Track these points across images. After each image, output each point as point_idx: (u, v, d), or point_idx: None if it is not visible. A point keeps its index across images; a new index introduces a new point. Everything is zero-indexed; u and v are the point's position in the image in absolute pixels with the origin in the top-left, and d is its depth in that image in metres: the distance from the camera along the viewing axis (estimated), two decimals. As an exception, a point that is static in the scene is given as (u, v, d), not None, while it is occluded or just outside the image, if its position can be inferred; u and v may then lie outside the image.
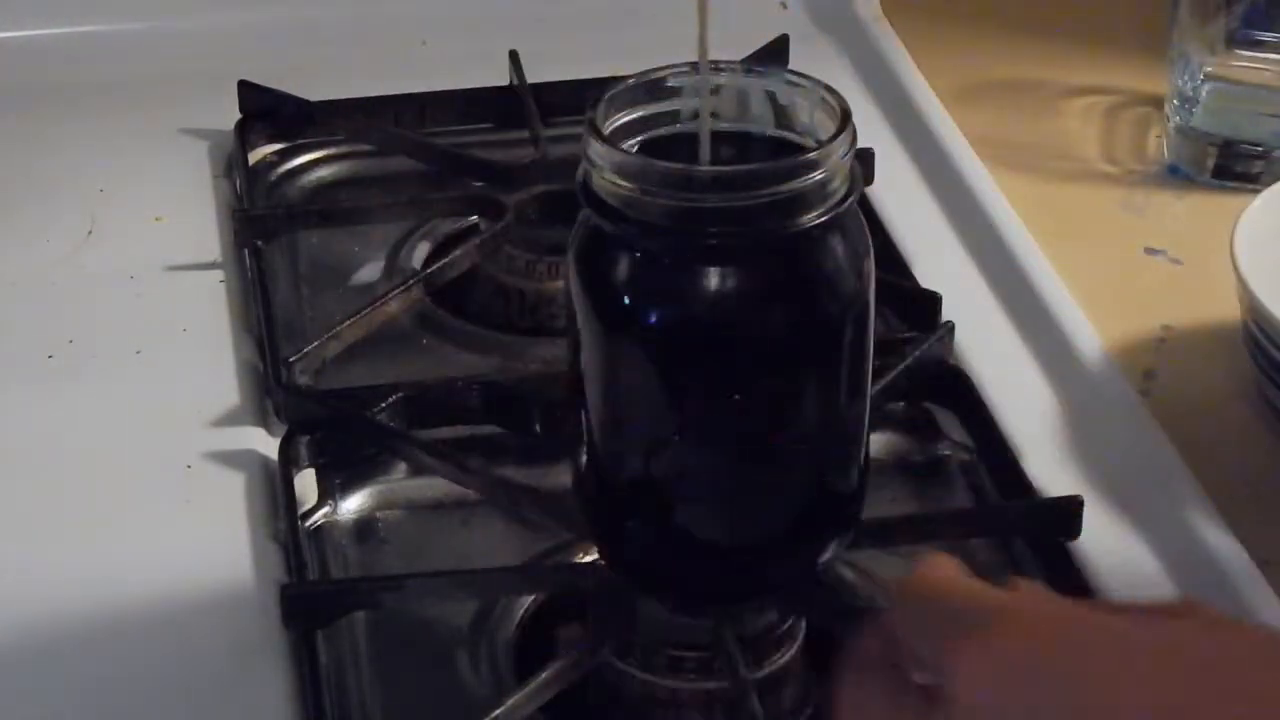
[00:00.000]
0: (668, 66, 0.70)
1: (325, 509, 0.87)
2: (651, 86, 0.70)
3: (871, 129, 1.11)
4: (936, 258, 1.01)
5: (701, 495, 0.70)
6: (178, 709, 0.76)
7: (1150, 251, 1.03)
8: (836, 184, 0.67)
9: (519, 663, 0.78)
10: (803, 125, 0.70)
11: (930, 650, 0.58)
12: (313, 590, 0.79)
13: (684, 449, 0.69)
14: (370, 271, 1.03)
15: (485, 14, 1.22)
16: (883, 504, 0.86)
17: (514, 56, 1.13)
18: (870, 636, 0.61)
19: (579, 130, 0.68)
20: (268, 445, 0.88)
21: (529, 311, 1.00)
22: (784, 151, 0.69)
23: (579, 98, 1.05)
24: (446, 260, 0.97)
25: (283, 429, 0.88)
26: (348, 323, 0.93)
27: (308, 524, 0.86)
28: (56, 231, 1.04)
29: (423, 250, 1.04)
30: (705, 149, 0.68)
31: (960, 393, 0.90)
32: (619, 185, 0.66)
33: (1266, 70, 1.09)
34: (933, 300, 0.94)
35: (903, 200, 1.06)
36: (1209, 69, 1.09)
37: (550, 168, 1.03)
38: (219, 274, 1.01)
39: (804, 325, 0.68)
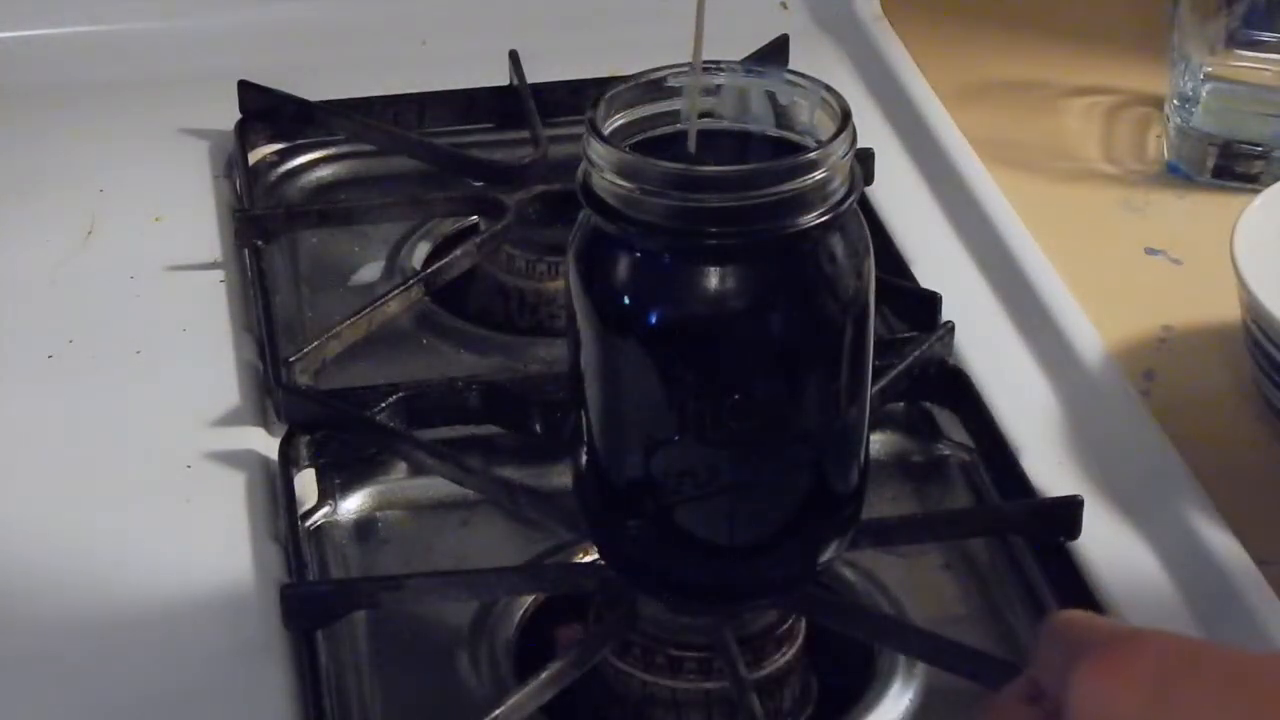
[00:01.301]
0: (667, 66, 0.70)
1: (325, 509, 0.87)
2: (651, 86, 0.70)
3: (871, 129, 1.11)
4: (936, 258, 1.01)
5: (701, 495, 0.70)
6: (178, 709, 0.76)
7: (1150, 251, 1.03)
8: (836, 184, 0.67)
9: (519, 663, 0.78)
10: (803, 125, 0.70)
11: (1056, 674, 0.57)
12: (313, 590, 0.79)
13: (684, 449, 0.69)
14: (370, 271, 1.03)
15: (485, 14, 1.22)
16: (883, 504, 0.86)
17: (514, 56, 1.13)
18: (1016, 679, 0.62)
19: (579, 130, 0.68)
20: (268, 445, 0.88)
21: (529, 311, 1.00)
22: (784, 151, 0.69)
23: (579, 98, 1.07)
24: (446, 260, 0.97)
25: (283, 429, 0.88)
26: (348, 323, 0.93)
27: (308, 524, 0.86)
28: (56, 231, 1.04)
29: (423, 250, 1.04)
30: (692, 143, 0.68)
31: (960, 393, 0.90)
32: (619, 185, 0.66)
33: (1266, 70, 1.09)
34: (933, 300, 0.94)
35: (903, 200, 1.06)
36: (1209, 69, 1.09)
37: (550, 168, 1.03)
38: (219, 274, 1.01)
39: (804, 325, 0.68)
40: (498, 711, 0.72)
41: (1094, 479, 0.86)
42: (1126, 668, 0.56)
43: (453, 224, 1.06)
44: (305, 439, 0.87)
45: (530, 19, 1.22)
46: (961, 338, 0.93)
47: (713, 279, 0.66)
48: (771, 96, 0.70)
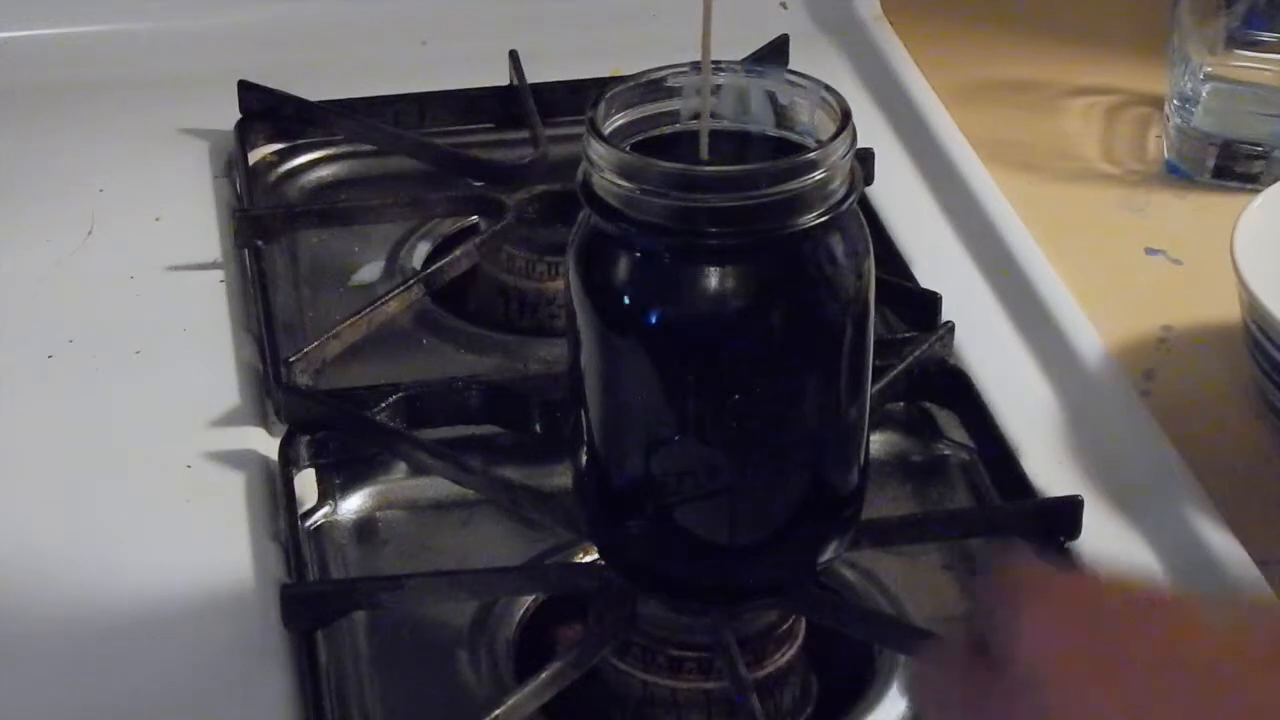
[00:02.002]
0: (668, 66, 0.70)
1: (325, 509, 0.87)
2: (651, 86, 0.70)
3: (871, 129, 1.11)
4: (936, 258, 1.01)
5: (701, 495, 0.70)
6: (178, 709, 0.76)
7: (1150, 251, 1.03)
8: (836, 184, 0.67)
9: (519, 663, 0.78)
10: (803, 125, 0.70)
11: (999, 624, 0.57)
12: (313, 590, 0.79)
13: (684, 449, 0.69)
14: (370, 271, 1.03)
15: (485, 14, 1.22)
16: (883, 504, 0.86)
17: (514, 56, 1.13)
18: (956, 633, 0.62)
19: (579, 130, 0.68)
20: (268, 445, 0.88)
21: (529, 311, 1.00)
22: (784, 151, 0.69)
23: (579, 98, 1.07)
24: (446, 260, 0.97)
25: (283, 429, 0.88)
26: (348, 323, 0.93)
27: (308, 524, 0.86)
28: (56, 231, 1.04)
29: (423, 250, 1.04)
30: (704, 147, 0.68)
31: (960, 393, 0.90)
32: (619, 185, 0.66)
33: (1266, 70, 1.08)
34: (933, 300, 0.94)
35: (903, 200, 1.06)
36: (1209, 69, 1.09)
37: (550, 168, 1.03)
38: (219, 274, 1.01)
39: (804, 325, 0.68)
40: (498, 711, 0.72)
41: (1094, 479, 0.86)
42: (1068, 608, 0.56)
43: (453, 224, 1.06)
44: (305, 439, 0.87)
45: (530, 19, 1.22)
46: (961, 338, 0.93)
47: (713, 279, 0.66)
48: (771, 96, 0.70)
